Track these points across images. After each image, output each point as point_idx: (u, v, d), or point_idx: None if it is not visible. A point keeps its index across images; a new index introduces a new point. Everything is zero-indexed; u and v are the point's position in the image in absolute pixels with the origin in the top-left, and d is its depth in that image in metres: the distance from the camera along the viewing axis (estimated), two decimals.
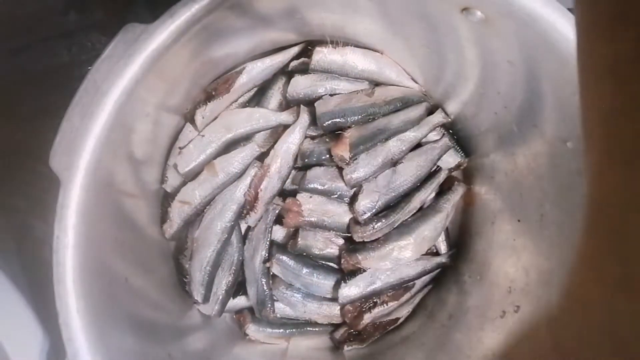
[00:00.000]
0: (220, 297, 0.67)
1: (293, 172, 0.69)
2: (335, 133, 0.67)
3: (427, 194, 0.68)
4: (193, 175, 0.66)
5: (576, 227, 0.47)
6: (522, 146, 0.55)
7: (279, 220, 0.69)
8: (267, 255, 0.68)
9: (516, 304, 0.54)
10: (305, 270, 0.67)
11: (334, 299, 0.67)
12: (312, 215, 0.67)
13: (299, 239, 0.68)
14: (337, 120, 0.65)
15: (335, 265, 0.70)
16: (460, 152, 0.70)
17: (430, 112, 0.68)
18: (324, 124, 0.65)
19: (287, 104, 0.69)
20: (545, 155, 0.51)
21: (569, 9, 0.42)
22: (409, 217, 0.67)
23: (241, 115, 0.67)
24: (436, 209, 0.68)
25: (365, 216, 0.65)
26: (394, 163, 0.66)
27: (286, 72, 0.70)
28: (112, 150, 0.47)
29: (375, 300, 0.68)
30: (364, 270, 0.66)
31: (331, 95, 0.67)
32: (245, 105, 0.70)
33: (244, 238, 0.69)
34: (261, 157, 0.68)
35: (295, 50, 0.68)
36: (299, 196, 0.67)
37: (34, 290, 0.57)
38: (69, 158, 0.44)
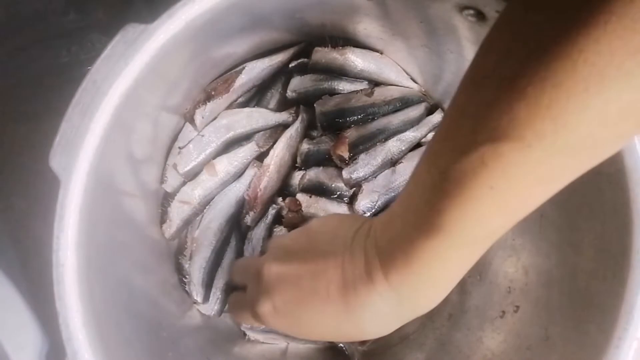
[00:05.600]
0: (220, 297, 0.67)
1: (293, 172, 0.69)
2: (334, 133, 0.67)
3: None
4: (193, 175, 0.66)
5: (576, 227, 0.47)
6: None
7: (278, 220, 0.69)
8: None
9: (516, 304, 0.54)
10: None
11: None
12: (312, 215, 0.67)
13: None
14: (337, 120, 0.65)
15: None
16: None
17: (430, 112, 0.68)
18: (324, 124, 0.65)
19: (286, 104, 0.69)
20: None
21: None
22: None
23: (241, 115, 0.67)
24: None
25: (365, 216, 0.65)
26: (394, 163, 0.66)
27: (286, 72, 0.70)
28: (112, 150, 0.47)
29: None
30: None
31: (331, 95, 0.67)
32: (245, 105, 0.70)
33: (243, 238, 0.69)
34: (261, 157, 0.68)
35: (295, 50, 0.68)
36: (298, 196, 0.67)
37: (34, 290, 0.57)
38: (69, 158, 0.43)
